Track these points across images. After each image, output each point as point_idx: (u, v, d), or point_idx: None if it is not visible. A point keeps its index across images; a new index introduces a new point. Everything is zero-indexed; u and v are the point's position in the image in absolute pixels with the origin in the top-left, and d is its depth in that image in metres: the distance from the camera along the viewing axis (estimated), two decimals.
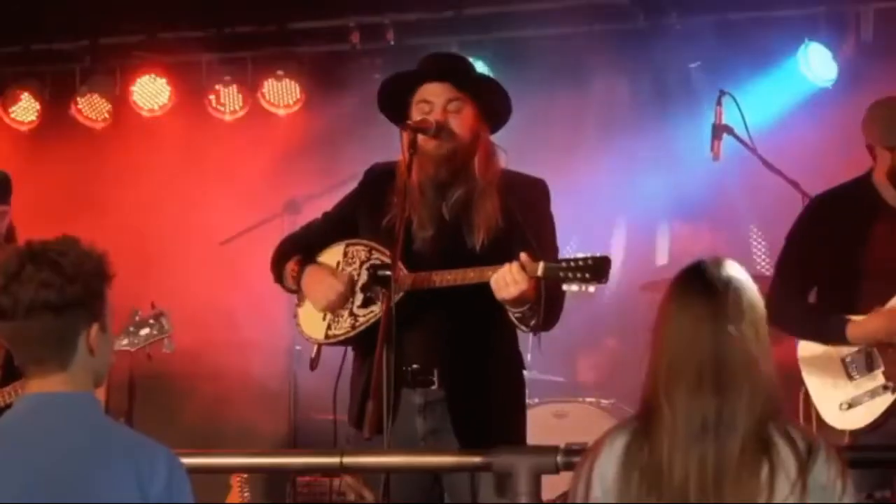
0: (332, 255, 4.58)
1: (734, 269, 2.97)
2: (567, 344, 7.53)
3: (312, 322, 4.59)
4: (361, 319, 4.46)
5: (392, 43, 7.79)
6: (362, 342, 4.45)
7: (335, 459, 4.08)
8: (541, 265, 4.13)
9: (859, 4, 7.27)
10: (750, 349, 2.88)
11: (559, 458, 3.78)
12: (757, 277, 3.05)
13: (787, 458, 2.83)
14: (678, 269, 3.01)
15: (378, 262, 4.41)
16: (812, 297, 5.05)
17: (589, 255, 4.12)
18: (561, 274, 4.12)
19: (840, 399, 4.89)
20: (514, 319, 4.32)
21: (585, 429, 6.66)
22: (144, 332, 5.37)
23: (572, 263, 4.11)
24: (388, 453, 4.19)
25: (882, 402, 4.85)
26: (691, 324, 2.89)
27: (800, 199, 5.91)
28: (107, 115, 8.32)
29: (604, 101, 7.98)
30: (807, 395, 4.98)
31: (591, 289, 4.14)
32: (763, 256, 7.78)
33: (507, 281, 4.12)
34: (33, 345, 2.94)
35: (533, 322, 4.27)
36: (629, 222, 7.71)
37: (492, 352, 4.45)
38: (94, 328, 2.97)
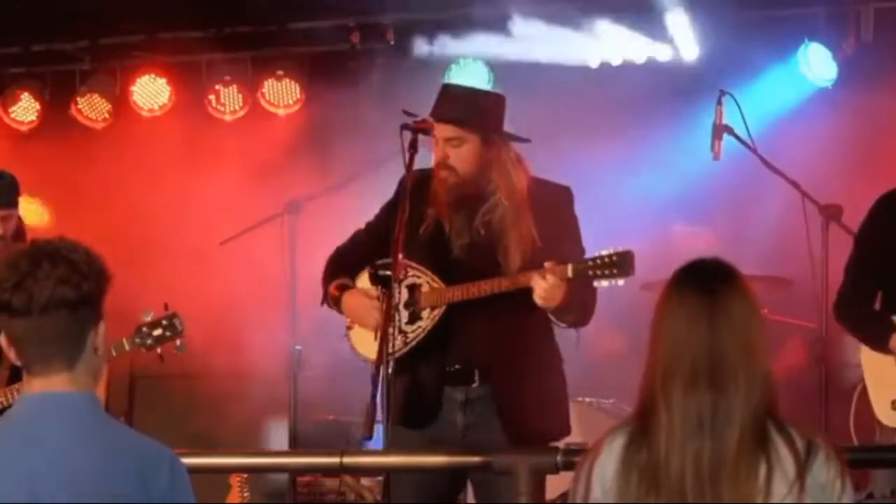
0: (367, 279, 4.77)
1: (728, 267, 2.98)
2: (567, 344, 7.53)
3: (366, 343, 4.82)
4: (411, 336, 4.68)
5: (392, 43, 7.79)
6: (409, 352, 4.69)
7: (335, 459, 4.09)
8: (569, 267, 4.43)
9: (859, 4, 7.26)
10: (745, 345, 2.89)
11: (559, 458, 3.80)
12: (754, 277, 3.06)
13: (784, 458, 2.83)
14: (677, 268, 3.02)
15: (380, 262, 4.48)
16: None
17: (612, 250, 4.40)
18: (589, 273, 4.42)
19: (892, 396, 4.90)
20: (553, 318, 4.63)
21: (585, 429, 6.66)
22: (157, 332, 5.44)
23: (598, 261, 4.41)
24: (387, 453, 4.20)
25: None
26: (686, 322, 2.90)
27: (800, 199, 5.91)
28: (107, 115, 8.31)
29: (604, 100, 7.98)
30: (864, 392, 5.00)
31: (621, 282, 4.42)
32: (761, 256, 7.77)
33: (549, 292, 4.42)
34: (44, 343, 2.92)
35: (570, 318, 4.59)
36: (629, 222, 7.69)
37: (531, 349, 4.72)
38: (102, 327, 2.98)
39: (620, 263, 4.38)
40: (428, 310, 4.67)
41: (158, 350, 5.44)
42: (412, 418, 4.59)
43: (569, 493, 3.05)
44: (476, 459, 4.06)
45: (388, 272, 4.37)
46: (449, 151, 4.70)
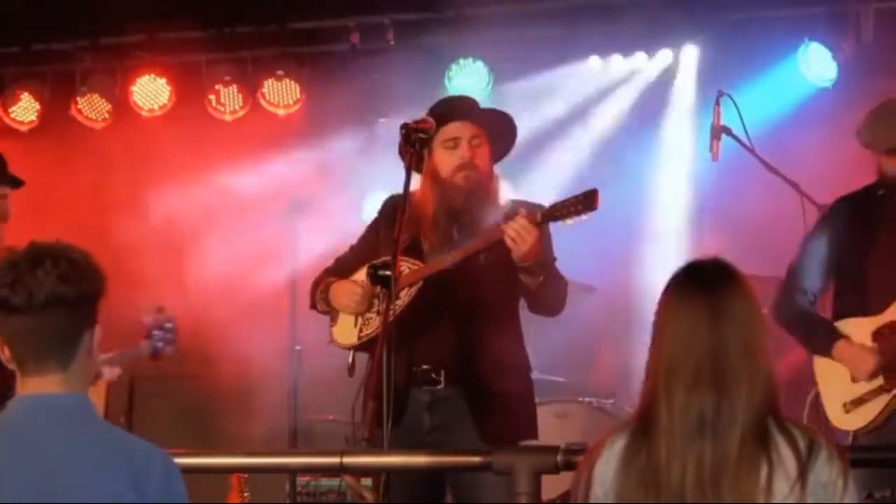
0: (359, 276, 4.85)
1: (730, 268, 2.99)
2: (567, 344, 7.54)
3: (345, 331, 4.91)
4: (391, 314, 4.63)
5: (392, 43, 7.79)
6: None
7: (335, 459, 4.09)
8: (538, 213, 4.54)
9: (859, 4, 7.27)
10: (747, 345, 2.89)
11: (559, 458, 3.80)
12: (754, 277, 3.06)
13: (786, 457, 2.83)
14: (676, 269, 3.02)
15: (378, 262, 4.50)
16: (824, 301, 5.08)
17: (578, 193, 4.54)
18: (557, 214, 4.52)
19: (843, 399, 4.91)
20: (525, 279, 4.65)
21: (585, 429, 6.68)
22: (169, 336, 5.54)
23: (565, 202, 4.53)
24: (388, 453, 4.20)
25: (879, 403, 4.86)
26: (689, 322, 2.90)
27: (799, 200, 5.90)
28: (107, 115, 8.32)
29: (603, 100, 7.99)
30: (817, 396, 5.01)
31: (585, 217, 4.52)
32: (761, 256, 7.77)
33: (521, 234, 4.50)
34: (40, 342, 2.92)
35: (540, 280, 4.64)
36: (629, 222, 7.70)
37: (499, 352, 4.74)
38: (97, 329, 2.99)
39: (586, 200, 4.49)
40: (406, 288, 4.71)
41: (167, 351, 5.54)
42: (378, 419, 4.45)
43: (570, 493, 3.05)
44: (476, 459, 4.06)
45: (388, 272, 4.38)
46: (476, 151, 4.78)
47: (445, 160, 4.77)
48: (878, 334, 4.91)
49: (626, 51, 7.77)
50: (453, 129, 4.77)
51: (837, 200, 5.21)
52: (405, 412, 4.66)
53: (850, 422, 4.89)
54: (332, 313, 4.98)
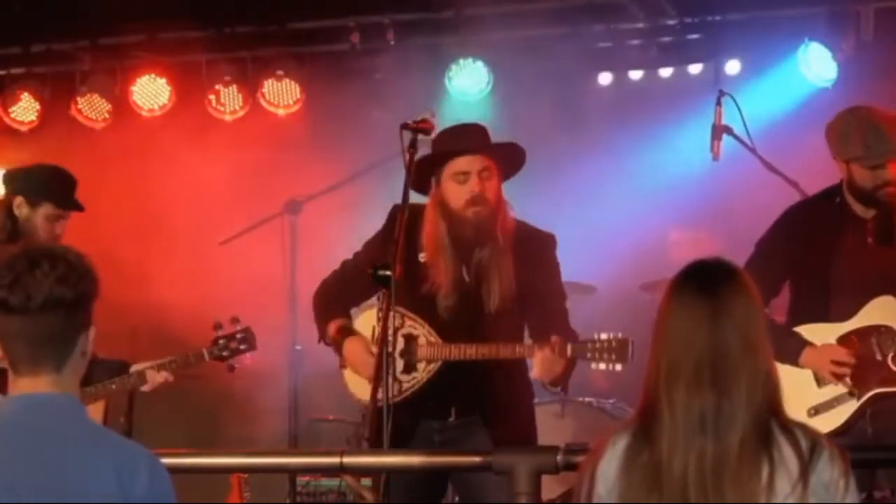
0: (367, 320, 4.87)
1: (730, 267, 2.99)
2: None
3: (360, 385, 4.88)
4: (406, 385, 4.73)
5: (392, 43, 7.79)
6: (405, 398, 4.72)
7: (335, 459, 4.09)
8: (569, 347, 4.55)
9: (859, 4, 7.27)
10: (747, 344, 2.90)
11: (559, 458, 3.80)
12: None
13: (788, 457, 2.84)
14: (678, 269, 3.02)
15: (379, 264, 4.48)
16: (781, 306, 5.08)
17: (612, 336, 4.53)
18: (588, 354, 4.56)
19: (808, 404, 4.90)
20: (544, 386, 4.77)
21: (585, 429, 6.69)
22: (233, 345, 5.58)
23: (598, 345, 4.55)
24: (388, 453, 4.20)
25: (846, 409, 4.86)
26: (689, 322, 2.90)
27: (799, 199, 5.90)
28: (107, 115, 8.32)
29: (603, 100, 7.99)
30: None
31: (619, 367, 4.53)
32: None
33: (548, 366, 4.56)
34: (35, 343, 2.92)
35: (557, 388, 4.82)
36: (629, 223, 7.70)
37: (508, 382, 4.81)
38: (92, 330, 2.99)
39: (619, 350, 4.52)
40: (424, 363, 4.74)
41: (234, 362, 5.62)
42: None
43: (573, 493, 3.06)
44: (476, 459, 4.07)
45: (388, 272, 4.37)
46: (485, 184, 4.73)
47: (456, 193, 4.73)
48: (844, 340, 4.92)
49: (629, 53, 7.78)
50: (464, 162, 4.74)
51: (795, 206, 5.23)
52: (413, 439, 4.71)
53: (815, 426, 4.87)
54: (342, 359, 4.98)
